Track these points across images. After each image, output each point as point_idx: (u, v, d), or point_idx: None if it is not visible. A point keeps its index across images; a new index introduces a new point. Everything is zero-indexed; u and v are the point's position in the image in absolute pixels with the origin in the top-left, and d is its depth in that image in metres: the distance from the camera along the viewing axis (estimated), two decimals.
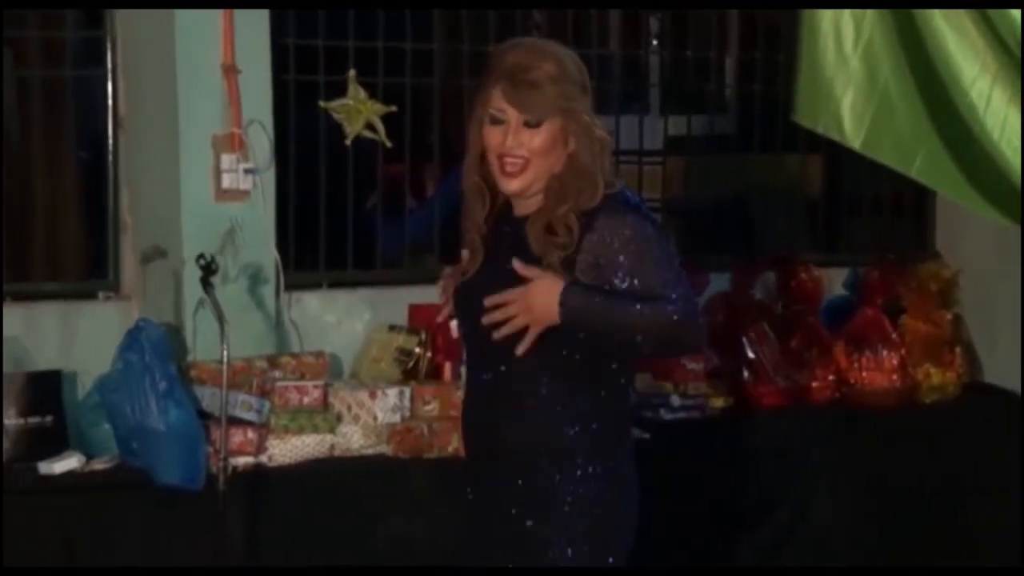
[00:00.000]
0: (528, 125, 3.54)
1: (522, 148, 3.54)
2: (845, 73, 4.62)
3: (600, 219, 3.51)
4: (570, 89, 3.55)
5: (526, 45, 3.66)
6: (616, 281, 3.46)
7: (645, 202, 3.71)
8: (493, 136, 3.57)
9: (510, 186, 3.57)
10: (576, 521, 3.53)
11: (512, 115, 3.55)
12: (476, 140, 3.62)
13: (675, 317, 3.43)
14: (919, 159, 4.62)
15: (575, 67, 3.58)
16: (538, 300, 3.46)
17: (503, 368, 3.56)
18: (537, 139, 3.54)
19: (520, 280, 3.49)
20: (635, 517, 3.63)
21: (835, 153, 5.18)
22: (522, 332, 3.49)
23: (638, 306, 3.43)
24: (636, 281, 3.46)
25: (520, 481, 3.56)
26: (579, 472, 3.53)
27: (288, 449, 5.08)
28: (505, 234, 3.62)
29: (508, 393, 3.57)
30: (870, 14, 4.58)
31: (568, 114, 3.54)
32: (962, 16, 4.44)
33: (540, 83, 3.53)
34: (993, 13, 4.40)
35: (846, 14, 4.60)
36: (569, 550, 3.52)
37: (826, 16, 4.63)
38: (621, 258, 3.47)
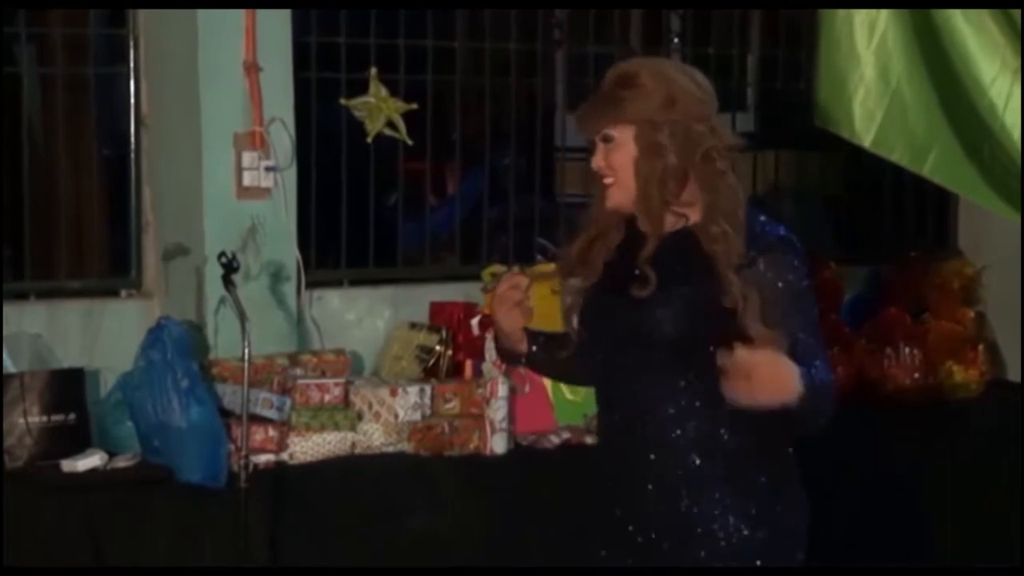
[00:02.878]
0: (605, 141, 3.54)
1: (604, 167, 3.54)
2: (857, 72, 4.62)
3: (762, 255, 3.44)
4: (636, 104, 3.48)
5: (617, 66, 3.60)
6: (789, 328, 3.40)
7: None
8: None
9: (607, 201, 3.56)
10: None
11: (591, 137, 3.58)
12: None
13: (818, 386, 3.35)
14: (932, 157, 4.62)
15: (655, 79, 3.50)
16: (772, 377, 3.28)
17: (635, 403, 3.51)
18: (613, 155, 3.53)
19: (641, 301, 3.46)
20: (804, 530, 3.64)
21: (857, 151, 5.17)
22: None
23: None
24: (801, 337, 3.39)
25: (661, 509, 3.50)
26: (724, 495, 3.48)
27: (309, 447, 5.08)
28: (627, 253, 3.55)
29: (643, 427, 3.51)
30: (884, 13, 4.57)
31: (640, 126, 3.48)
32: (983, 15, 4.43)
33: (599, 102, 3.53)
34: (1014, 12, 4.39)
35: (860, 13, 4.60)
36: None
37: (839, 16, 4.62)
38: (786, 306, 3.42)
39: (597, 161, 3.56)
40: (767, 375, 3.23)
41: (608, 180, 3.55)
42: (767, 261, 3.44)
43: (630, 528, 3.52)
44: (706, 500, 3.46)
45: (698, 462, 3.47)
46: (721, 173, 3.50)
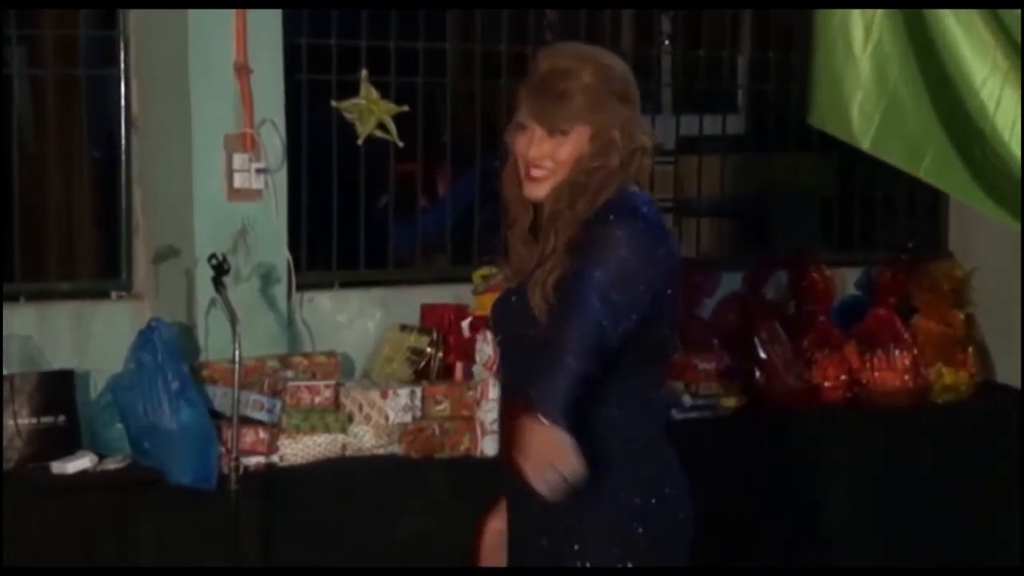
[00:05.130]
0: (553, 135, 3.47)
1: (546, 159, 3.47)
2: (855, 74, 4.61)
3: (601, 221, 3.41)
4: (601, 100, 3.45)
5: (563, 52, 3.57)
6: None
7: (651, 206, 3.51)
8: (519, 143, 3.50)
9: (534, 193, 3.50)
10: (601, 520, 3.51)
11: (534, 125, 3.48)
12: (511, 146, 3.54)
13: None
14: (927, 159, 4.61)
15: (614, 75, 3.48)
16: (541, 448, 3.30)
17: (525, 375, 3.49)
18: (563, 149, 3.47)
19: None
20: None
21: (848, 153, 5.19)
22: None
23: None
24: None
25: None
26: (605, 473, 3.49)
27: (300, 449, 5.08)
28: None
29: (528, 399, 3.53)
30: (879, 14, 4.57)
31: (596, 126, 3.45)
32: (973, 16, 4.43)
33: (564, 94, 3.45)
34: (1004, 12, 4.40)
35: (855, 14, 4.59)
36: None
37: (835, 17, 4.62)
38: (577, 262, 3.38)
39: (539, 152, 3.46)
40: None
41: (541, 173, 3.48)
42: (608, 225, 3.38)
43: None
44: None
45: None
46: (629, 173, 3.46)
